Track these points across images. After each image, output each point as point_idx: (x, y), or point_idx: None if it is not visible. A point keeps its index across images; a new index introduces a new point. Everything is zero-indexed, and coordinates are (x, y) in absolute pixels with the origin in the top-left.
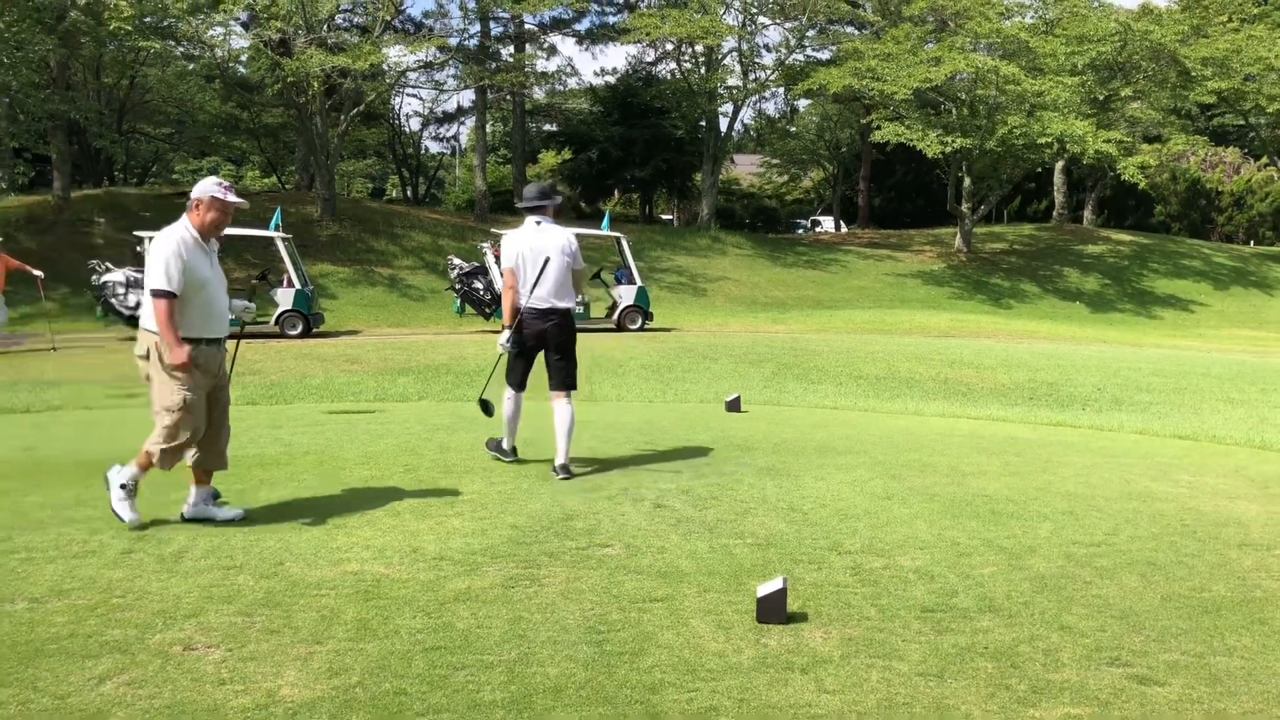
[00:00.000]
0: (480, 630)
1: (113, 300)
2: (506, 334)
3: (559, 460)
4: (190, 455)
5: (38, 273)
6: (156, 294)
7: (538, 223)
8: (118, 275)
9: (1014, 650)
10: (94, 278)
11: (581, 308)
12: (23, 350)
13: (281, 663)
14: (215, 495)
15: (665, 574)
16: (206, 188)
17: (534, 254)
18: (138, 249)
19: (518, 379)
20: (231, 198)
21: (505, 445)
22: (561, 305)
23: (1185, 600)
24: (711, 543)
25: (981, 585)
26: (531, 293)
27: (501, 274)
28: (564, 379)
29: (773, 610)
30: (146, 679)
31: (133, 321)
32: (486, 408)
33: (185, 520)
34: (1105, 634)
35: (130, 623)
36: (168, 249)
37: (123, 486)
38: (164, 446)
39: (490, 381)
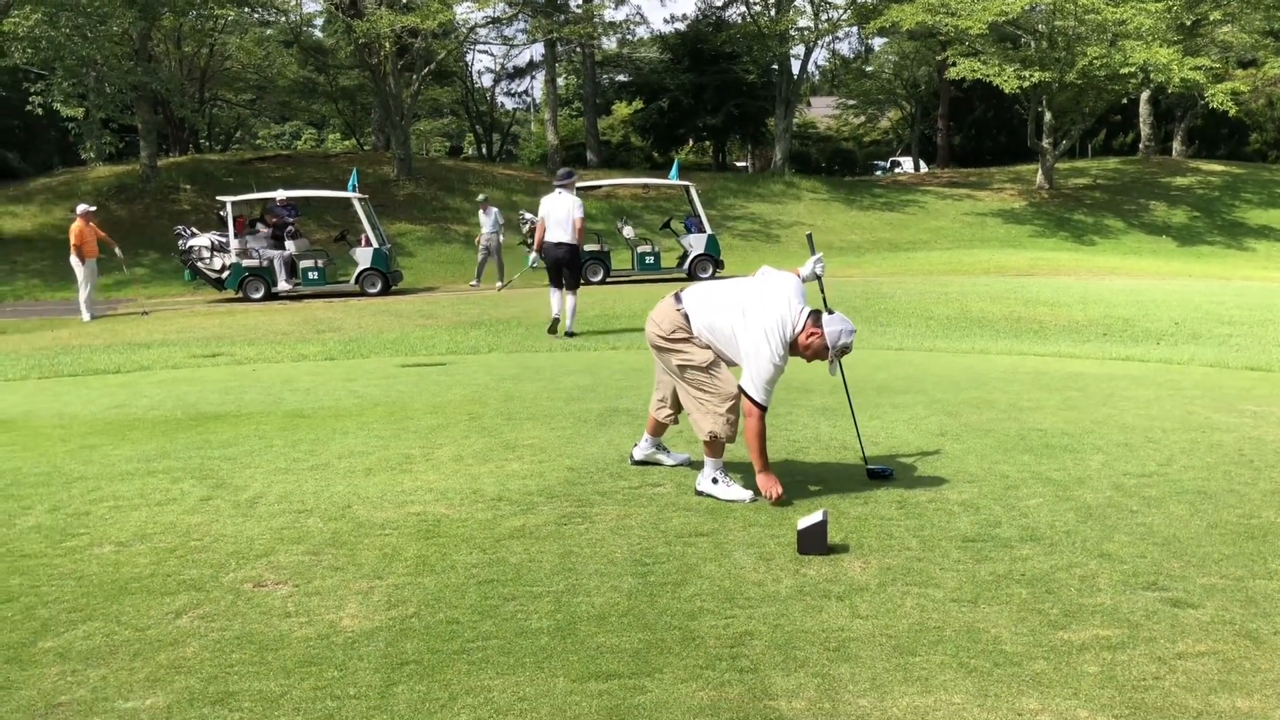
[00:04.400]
0: (531, 564)
1: (199, 264)
2: (533, 255)
3: (568, 328)
4: (663, 412)
5: (118, 251)
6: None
7: (559, 192)
8: (203, 240)
9: (1050, 577)
10: (180, 243)
11: (653, 258)
12: (116, 315)
13: (344, 596)
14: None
15: (713, 510)
16: None
17: (555, 211)
18: (219, 214)
19: (553, 280)
20: None
21: (554, 313)
22: (568, 240)
23: (1231, 527)
24: None
25: (1026, 516)
26: (552, 232)
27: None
28: (570, 283)
29: (813, 543)
30: (219, 613)
31: (219, 284)
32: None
33: (634, 463)
34: (1144, 560)
35: (206, 563)
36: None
37: (714, 481)
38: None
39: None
